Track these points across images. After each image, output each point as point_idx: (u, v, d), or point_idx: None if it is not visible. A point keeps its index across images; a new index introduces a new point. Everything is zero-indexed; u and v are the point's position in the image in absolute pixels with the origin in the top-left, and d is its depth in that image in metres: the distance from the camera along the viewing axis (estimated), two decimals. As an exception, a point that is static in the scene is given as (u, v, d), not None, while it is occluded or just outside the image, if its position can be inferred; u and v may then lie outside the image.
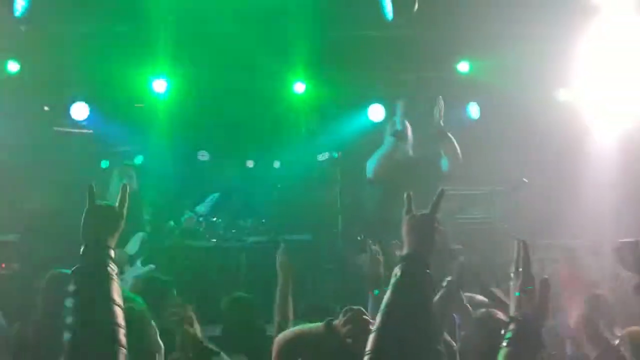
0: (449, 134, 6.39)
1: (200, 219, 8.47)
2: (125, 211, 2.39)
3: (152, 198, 6.94)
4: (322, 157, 8.80)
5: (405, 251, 2.31)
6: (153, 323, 2.71)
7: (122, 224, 2.37)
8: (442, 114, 6.33)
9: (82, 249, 2.26)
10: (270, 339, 3.43)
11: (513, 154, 8.23)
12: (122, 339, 2.13)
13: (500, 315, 3.36)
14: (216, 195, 7.73)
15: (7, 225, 7.85)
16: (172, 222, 7.24)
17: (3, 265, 7.58)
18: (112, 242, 2.31)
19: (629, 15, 6.90)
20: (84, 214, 2.33)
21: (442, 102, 6.34)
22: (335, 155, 7.69)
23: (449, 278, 3.53)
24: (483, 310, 3.62)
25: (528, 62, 7.78)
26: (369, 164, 6.74)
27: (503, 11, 7.02)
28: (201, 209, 7.50)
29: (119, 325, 2.14)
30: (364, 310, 2.79)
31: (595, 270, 6.96)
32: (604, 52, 7.27)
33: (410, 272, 2.22)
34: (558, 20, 7.09)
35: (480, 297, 4.17)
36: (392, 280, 2.24)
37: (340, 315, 2.81)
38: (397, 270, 2.25)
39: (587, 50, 7.27)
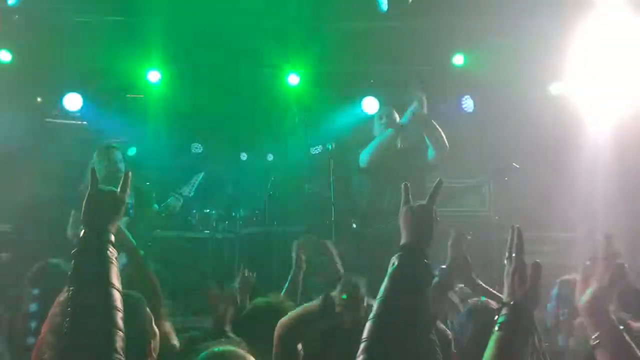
0: (433, 121, 6.40)
1: (193, 211, 8.45)
2: (126, 197, 2.42)
3: (142, 187, 6.84)
4: (315, 150, 8.80)
5: (402, 241, 2.32)
6: (148, 310, 2.71)
7: (123, 210, 2.40)
8: (424, 101, 6.34)
9: (82, 233, 2.28)
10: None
11: (507, 147, 8.25)
12: (120, 322, 2.15)
13: (494, 304, 3.37)
14: (200, 175, 7.68)
15: (0, 216, 7.84)
16: (155, 206, 7.17)
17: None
18: (113, 228, 2.33)
19: (623, 10, 6.91)
20: (85, 198, 2.34)
21: (423, 92, 6.37)
22: (329, 147, 7.68)
23: (442, 266, 3.53)
24: (476, 299, 3.63)
25: (523, 56, 7.79)
26: (364, 153, 6.74)
27: (499, 4, 7.03)
28: (185, 190, 7.46)
29: (117, 309, 2.15)
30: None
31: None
32: (599, 47, 7.28)
33: (407, 262, 2.24)
34: (553, 15, 7.10)
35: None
36: (389, 269, 2.25)
37: (339, 286, 2.87)
38: (394, 260, 2.26)
39: (582, 44, 7.27)
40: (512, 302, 2.21)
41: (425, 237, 2.32)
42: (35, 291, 4.01)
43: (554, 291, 3.94)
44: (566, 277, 3.96)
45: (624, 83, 7.36)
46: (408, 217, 2.35)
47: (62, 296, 2.52)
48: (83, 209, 2.33)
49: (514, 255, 2.28)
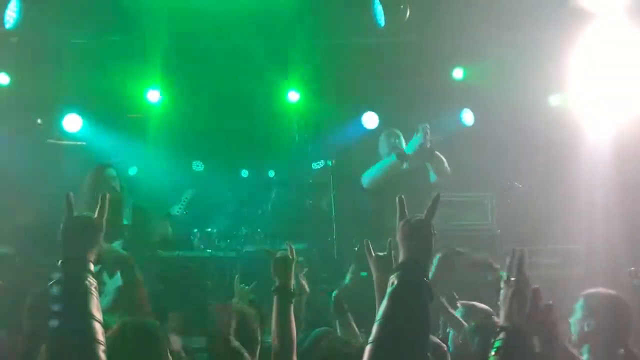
0: (437, 152, 6.46)
1: (195, 230, 8.42)
2: (104, 222, 2.32)
3: (140, 206, 6.75)
4: (317, 165, 8.79)
5: (401, 258, 2.24)
6: (162, 337, 2.66)
7: (101, 236, 2.30)
8: (428, 133, 6.38)
9: (60, 263, 2.20)
10: (269, 349, 3.43)
11: (507, 160, 8.22)
12: (102, 355, 2.08)
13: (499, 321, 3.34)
14: (190, 192, 7.63)
15: (1, 239, 7.81)
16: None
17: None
18: (92, 256, 2.24)
19: (622, 21, 6.92)
20: (62, 226, 2.26)
21: (427, 128, 6.40)
22: (330, 163, 7.68)
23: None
24: (481, 316, 3.61)
25: (522, 68, 7.79)
26: (367, 175, 6.77)
27: (497, 17, 7.04)
28: (175, 209, 7.39)
29: (97, 342, 2.09)
30: None
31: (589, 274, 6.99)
32: (598, 58, 7.28)
33: (408, 280, 2.15)
34: (552, 26, 7.11)
35: (481, 305, 4.16)
36: (389, 289, 2.17)
37: None
38: (393, 279, 2.17)
39: (581, 55, 7.28)
40: (509, 327, 2.17)
41: (424, 253, 2.23)
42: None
43: (579, 303, 3.93)
44: (592, 290, 3.97)
45: (623, 94, 7.36)
46: (406, 233, 2.26)
47: None
48: (60, 237, 2.25)
49: (512, 278, 2.23)
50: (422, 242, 2.24)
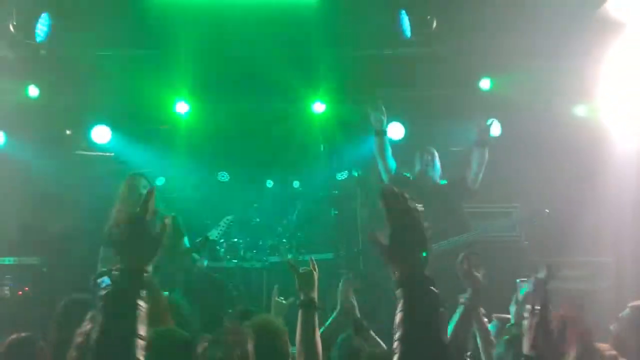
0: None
1: (221, 240, 8.43)
2: (163, 238, 2.26)
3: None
4: (342, 176, 8.79)
5: (397, 276, 2.05)
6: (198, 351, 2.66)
7: (159, 252, 2.24)
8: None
9: (117, 273, 2.15)
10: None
11: (534, 171, 8.16)
12: None
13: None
14: (230, 218, 7.56)
15: (30, 249, 7.90)
16: (186, 240, 6.97)
17: (27, 289, 7.61)
18: (148, 270, 2.20)
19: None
20: (127, 235, 2.21)
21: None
22: (355, 173, 7.67)
23: (466, 295, 3.47)
24: (514, 330, 3.57)
25: (549, 79, 7.74)
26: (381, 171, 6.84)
27: (524, 27, 7.00)
28: (214, 234, 7.31)
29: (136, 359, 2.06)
30: None
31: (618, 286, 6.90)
32: (626, 68, 7.22)
33: (413, 295, 2.02)
34: (580, 37, 7.06)
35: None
36: (399, 305, 2.04)
37: None
38: (399, 296, 2.04)
39: (609, 66, 7.22)
40: (533, 357, 2.14)
41: (417, 260, 2.03)
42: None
43: (625, 313, 3.90)
44: (638, 302, 3.95)
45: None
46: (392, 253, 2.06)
47: (79, 338, 2.43)
48: (120, 245, 2.19)
49: (537, 307, 2.19)
50: (412, 251, 2.05)
